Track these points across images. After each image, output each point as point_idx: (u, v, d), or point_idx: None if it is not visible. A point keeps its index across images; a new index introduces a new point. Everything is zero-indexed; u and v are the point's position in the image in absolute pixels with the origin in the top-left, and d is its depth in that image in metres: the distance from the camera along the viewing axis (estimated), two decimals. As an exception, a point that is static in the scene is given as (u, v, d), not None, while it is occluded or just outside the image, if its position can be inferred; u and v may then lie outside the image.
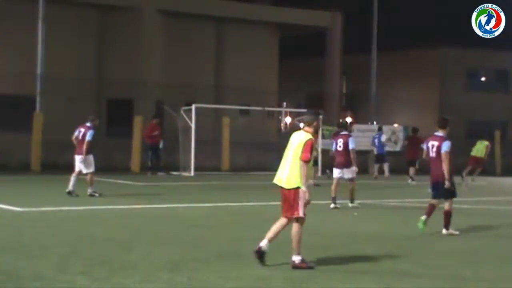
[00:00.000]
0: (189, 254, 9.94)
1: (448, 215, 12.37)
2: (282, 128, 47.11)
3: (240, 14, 38.83)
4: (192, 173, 27.51)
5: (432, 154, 12.26)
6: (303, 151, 8.92)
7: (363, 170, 26.59)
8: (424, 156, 12.67)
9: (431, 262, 9.82)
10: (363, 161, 32.49)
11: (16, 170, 26.15)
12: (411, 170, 26.17)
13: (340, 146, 16.78)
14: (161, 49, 36.67)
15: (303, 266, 8.92)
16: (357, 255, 10.07)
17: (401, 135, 33.54)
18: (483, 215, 16.06)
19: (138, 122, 29.17)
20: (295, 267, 8.90)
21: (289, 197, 8.99)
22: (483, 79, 48.53)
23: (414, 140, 26.47)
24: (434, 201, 12.53)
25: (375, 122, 35.19)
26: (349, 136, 16.93)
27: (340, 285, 8.36)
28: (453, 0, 45.89)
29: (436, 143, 12.24)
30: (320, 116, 9.40)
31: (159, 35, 36.61)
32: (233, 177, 27.51)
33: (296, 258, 8.95)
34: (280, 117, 45.29)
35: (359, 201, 17.02)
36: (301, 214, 9.01)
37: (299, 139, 9.07)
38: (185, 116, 28.47)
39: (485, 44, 40.88)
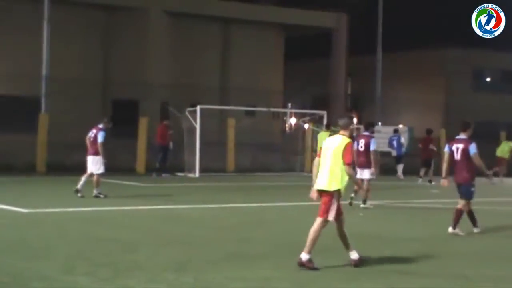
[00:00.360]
0: (195, 254, 9.94)
1: (458, 214, 12.51)
2: (287, 129, 47.09)
3: (245, 15, 38.87)
4: (197, 174, 27.49)
5: (457, 156, 12.48)
6: (345, 155, 8.98)
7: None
8: (445, 159, 12.80)
9: (435, 262, 9.79)
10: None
11: (21, 171, 26.15)
12: (423, 171, 26.34)
13: (361, 147, 16.81)
14: (166, 50, 36.72)
15: (309, 266, 8.91)
16: (362, 256, 10.04)
17: (406, 135, 33.49)
18: (490, 215, 16.01)
19: (143, 123, 29.16)
20: (301, 264, 8.89)
21: (326, 199, 9.05)
22: (488, 79, 48.41)
23: (428, 141, 26.67)
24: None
25: (379, 123, 35.13)
26: (371, 137, 16.93)
27: (345, 286, 8.35)
28: (459, 0, 45.82)
29: (461, 146, 12.46)
30: (355, 119, 9.48)
31: (164, 36, 36.65)
32: (238, 178, 27.48)
33: (304, 257, 8.93)
34: (285, 118, 45.26)
35: (372, 202, 17.00)
36: (330, 218, 9.07)
37: (337, 143, 9.11)
38: (190, 117, 28.45)
39: (490, 45, 40.93)
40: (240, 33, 39.58)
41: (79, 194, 17.25)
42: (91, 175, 17.45)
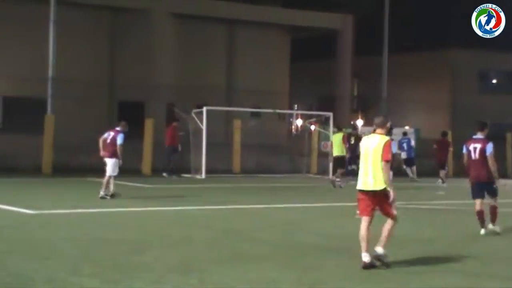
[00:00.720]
0: (201, 256, 9.92)
1: (495, 210, 12.79)
2: (293, 130, 47.05)
3: (252, 16, 38.86)
4: (203, 176, 27.48)
5: (475, 156, 12.66)
6: (384, 152, 9.20)
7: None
8: (465, 160, 12.99)
9: (443, 262, 9.73)
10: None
11: (27, 172, 26.18)
12: (442, 173, 26.50)
13: None
14: (172, 51, 36.74)
15: (384, 260, 9.12)
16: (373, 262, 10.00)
17: (412, 137, 33.42)
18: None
19: (149, 125, 29.17)
20: (377, 258, 9.10)
21: (380, 199, 9.21)
22: (494, 81, 48.30)
23: (444, 143, 26.92)
24: (478, 203, 12.81)
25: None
26: (391, 140, 16.91)
27: (355, 286, 8.32)
28: (463, 1, 45.72)
29: (478, 146, 12.65)
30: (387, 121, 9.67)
31: (170, 38, 36.67)
32: (244, 179, 27.46)
33: (380, 250, 9.11)
34: (291, 120, 45.23)
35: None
36: (394, 212, 9.32)
37: (376, 142, 9.30)
38: (196, 118, 28.43)
39: (496, 46, 40.78)
40: (245, 35, 39.58)
41: (116, 197, 17.41)
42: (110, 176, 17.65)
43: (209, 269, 8.91)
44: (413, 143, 30.10)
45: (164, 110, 34.39)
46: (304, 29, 41.53)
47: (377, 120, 9.60)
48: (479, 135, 12.81)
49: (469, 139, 13.00)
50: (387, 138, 9.34)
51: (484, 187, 12.75)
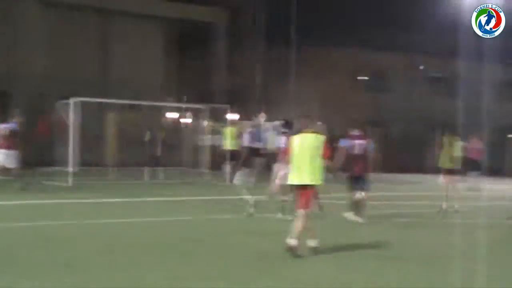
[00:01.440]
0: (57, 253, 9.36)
1: (363, 203, 13.55)
2: (169, 123, 46.52)
3: (126, 7, 38.04)
4: (73, 169, 26.49)
5: (358, 151, 13.40)
6: (323, 150, 9.70)
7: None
8: (343, 153, 13.43)
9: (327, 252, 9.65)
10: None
11: None
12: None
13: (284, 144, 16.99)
14: (42, 40, 35.33)
15: (296, 250, 9.44)
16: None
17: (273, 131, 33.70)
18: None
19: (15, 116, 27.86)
20: (290, 249, 9.42)
21: (309, 193, 9.67)
22: (366, 79, 49.53)
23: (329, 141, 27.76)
24: (357, 194, 13.56)
25: (262, 119, 35.13)
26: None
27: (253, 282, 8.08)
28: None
29: (362, 142, 13.46)
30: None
31: (40, 26, 35.26)
32: (117, 173, 26.88)
33: (293, 242, 9.46)
34: (165, 113, 44.74)
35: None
36: (312, 209, 9.84)
37: (311, 140, 9.71)
38: (62, 110, 27.36)
39: (370, 45, 41.80)
40: (120, 26, 38.67)
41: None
42: (4, 169, 17.58)
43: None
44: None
45: (32, 101, 32.97)
46: (181, 21, 41.14)
47: (306, 119, 9.93)
48: (358, 132, 13.59)
49: (349, 135, 13.63)
50: (322, 136, 9.73)
51: (362, 180, 13.44)
